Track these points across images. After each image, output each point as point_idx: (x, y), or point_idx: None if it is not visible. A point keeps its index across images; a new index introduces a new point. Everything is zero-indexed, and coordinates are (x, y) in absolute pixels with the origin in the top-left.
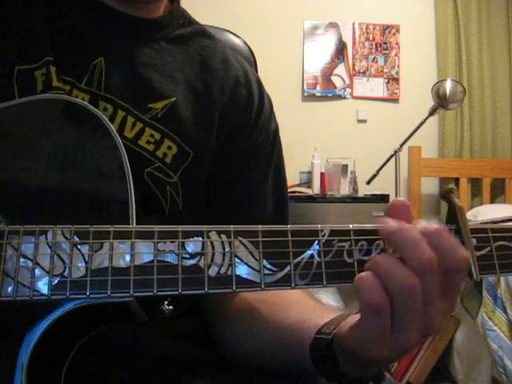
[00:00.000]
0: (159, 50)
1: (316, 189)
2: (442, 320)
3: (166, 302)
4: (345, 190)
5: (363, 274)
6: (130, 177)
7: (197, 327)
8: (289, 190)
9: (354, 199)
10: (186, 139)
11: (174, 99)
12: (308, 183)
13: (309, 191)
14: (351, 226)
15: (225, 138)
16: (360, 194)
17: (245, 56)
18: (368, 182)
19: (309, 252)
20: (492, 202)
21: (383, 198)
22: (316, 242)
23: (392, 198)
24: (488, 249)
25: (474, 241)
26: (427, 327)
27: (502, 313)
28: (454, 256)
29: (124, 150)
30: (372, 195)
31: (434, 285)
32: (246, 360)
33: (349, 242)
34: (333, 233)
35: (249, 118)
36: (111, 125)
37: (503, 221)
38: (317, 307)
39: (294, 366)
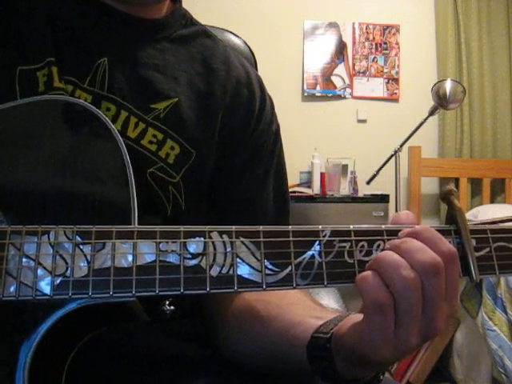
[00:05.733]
0: (161, 50)
1: (316, 189)
2: (444, 323)
3: (168, 303)
4: (345, 190)
5: (366, 273)
6: (132, 177)
7: (197, 327)
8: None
9: (353, 199)
10: (189, 139)
11: (176, 99)
12: (308, 183)
13: (309, 191)
14: (352, 226)
15: (226, 138)
16: (360, 194)
17: (245, 56)
18: (368, 182)
19: (310, 252)
20: (492, 202)
21: (383, 198)
22: (317, 243)
23: (392, 198)
24: (487, 249)
25: (474, 241)
26: (429, 329)
27: (502, 313)
28: (439, 249)
29: (126, 149)
30: (372, 195)
31: (436, 285)
32: (245, 360)
33: (349, 243)
34: (334, 233)
35: (250, 118)
36: (112, 125)
37: (503, 221)
38: (316, 308)
39: (291, 366)
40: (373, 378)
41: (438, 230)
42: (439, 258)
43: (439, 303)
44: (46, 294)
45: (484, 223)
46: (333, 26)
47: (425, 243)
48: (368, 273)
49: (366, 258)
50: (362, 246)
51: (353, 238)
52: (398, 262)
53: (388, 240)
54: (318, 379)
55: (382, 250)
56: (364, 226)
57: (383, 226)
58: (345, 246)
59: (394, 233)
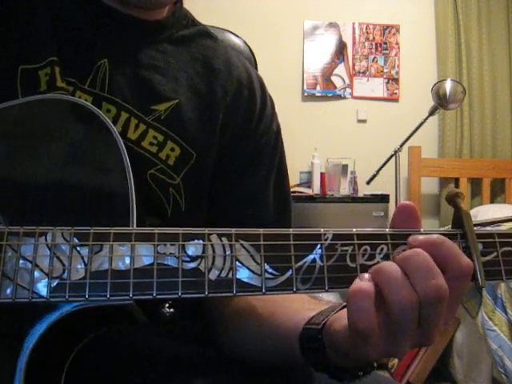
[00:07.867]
0: (162, 52)
1: (316, 189)
2: (437, 333)
3: (167, 305)
4: (345, 190)
5: (360, 287)
6: (132, 178)
7: (197, 327)
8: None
9: (353, 199)
10: (189, 141)
11: (176, 101)
12: (308, 183)
13: (309, 191)
14: (355, 229)
15: (227, 138)
16: (360, 194)
17: (245, 56)
18: (368, 182)
19: (311, 256)
20: (492, 202)
21: (383, 198)
22: (319, 246)
23: (392, 198)
24: (494, 254)
25: (480, 246)
26: (422, 340)
27: (502, 313)
28: (458, 264)
29: (125, 151)
30: (372, 195)
31: (436, 311)
32: (244, 356)
33: (352, 247)
34: (336, 237)
35: (251, 118)
36: (113, 126)
37: (503, 221)
38: (311, 301)
39: (288, 359)
40: (366, 365)
41: (445, 234)
42: (446, 286)
43: (437, 322)
44: (42, 297)
45: (484, 223)
46: (333, 25)
47: (437, 260)
48: (362, 288)
49: (369, 263)
50: (365, 250)
51: (355, 241)
52: (398, 282)
53: (392, 244)
54: (315, 373)
55: (386, 254)
56: (367, 230)
57: (387, 230)
58: (347, 250)
59: (397, 237)
